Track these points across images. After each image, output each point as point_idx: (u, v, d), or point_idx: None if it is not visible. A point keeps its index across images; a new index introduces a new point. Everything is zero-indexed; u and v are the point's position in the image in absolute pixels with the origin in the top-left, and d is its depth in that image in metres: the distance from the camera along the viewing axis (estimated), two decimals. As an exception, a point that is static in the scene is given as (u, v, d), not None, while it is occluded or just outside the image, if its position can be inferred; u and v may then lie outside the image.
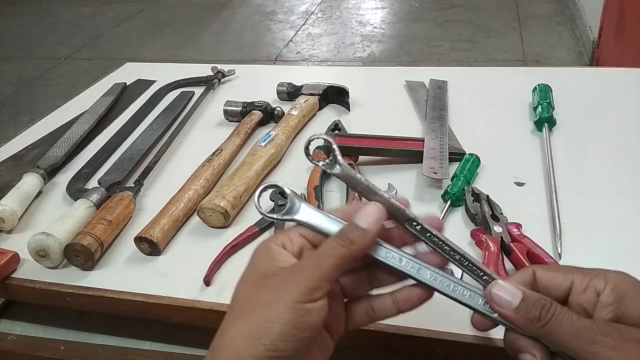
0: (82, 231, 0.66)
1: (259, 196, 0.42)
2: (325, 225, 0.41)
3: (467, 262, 0.42)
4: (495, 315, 0.40)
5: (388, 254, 0.41)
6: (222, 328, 0.38)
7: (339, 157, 0.42)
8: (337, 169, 0.43)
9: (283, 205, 0.44)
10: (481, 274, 0.42)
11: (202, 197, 0.73)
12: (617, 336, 0.35)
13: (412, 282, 0.42)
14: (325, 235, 0.41)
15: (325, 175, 0.78)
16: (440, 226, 0.43)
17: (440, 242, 0.42)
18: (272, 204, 0.62)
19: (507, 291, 0.39)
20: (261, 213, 0.42)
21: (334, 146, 0.42)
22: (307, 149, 0.43)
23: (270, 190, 0.43)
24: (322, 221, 0.41)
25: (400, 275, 0.42)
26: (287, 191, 0.42)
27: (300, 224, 0.42)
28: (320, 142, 0.70)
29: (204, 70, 1.14)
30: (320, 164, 0.42)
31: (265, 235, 0.68)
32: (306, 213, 0.42)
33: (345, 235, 0.39)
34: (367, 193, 0.43)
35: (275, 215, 0.42)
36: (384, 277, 0.43)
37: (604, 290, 0.37)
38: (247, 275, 0.40)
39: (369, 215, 0.40)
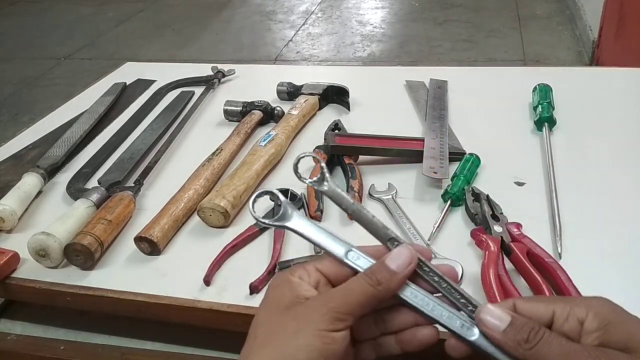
0: (82, 231, 0.66)
1: (254, 202, 0.43)
2: (318, 238, 0.42)
3: (446, 285, 0.42)
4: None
5: (414, 296, 0.41)
6: (246, 353, 0.39)
7: (327, 175, 0.43)
8: (325, 186, 0.44)
9: (280, 207, 0.45)
10: (463, 300, 0.42)
11: (202, 196, 0.73)
12: None
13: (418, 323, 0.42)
14: (321, 248, 0.42)
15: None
16: (429, 256, 0.43)
17: (423, 266, 0.42)
18: (268, 205, 0.62)
19: (496, 315, 0.39)
20: (255, 218, 0.43)
21: (322, 164, 0.43)
22: (296, 166, 0.44)
23: (265, 196, 0.44)
24: (314, 233, 0.42)
25: (419, 319, 0.42)
26: (281, 198, 0.44)
27: (291, 231, 0.43)
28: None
29: (204, 70, 1.14)
30: (308, 181, 0.44)
31: (265, 235, 0.68)
32: (298, 222, 0.43)
33: (374, 275, 0.40)
34: (352, 212, 0.44)
35: (267, 221, 0.43)
36: (392, 321, 0.43)
37: (586, 317, 0.37)
38: (269, 304, 0.41)
39: (400, 257, 0.41)
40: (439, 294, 0.42)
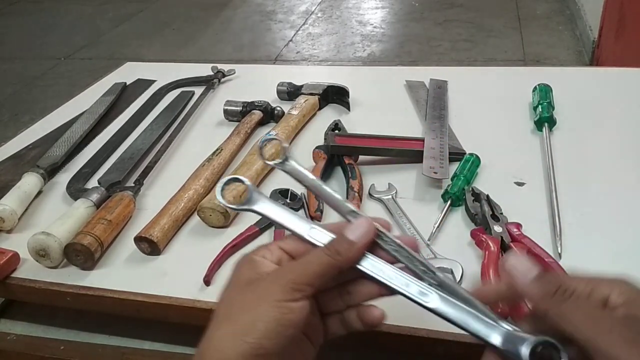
0: (82, 231, 0.66)
1: (222, 189, 0.45)
2: (281, 218, 0.44)
3: (406, 255, 0.43)
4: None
5: (374, 266, 0.42)
6: (208, 332, 0.39)
7: (289, 154, 0.46)
8: (287, 166, 0.46)
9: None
10: (423, 268, 0.42)
11: (202, 196, 0.73)
12: (636, 331, 0.33)
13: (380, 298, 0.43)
14: (285, 228, 0.44)
15: (325, 175, 0.78)
16: (389, 227, 0.44)
17: (383, 237, 0.43)
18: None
19: (526, 264, 0.39)
20: (222, 203, 0.45)
21: (285, 145, 0.46)
22: (261, 149, 0.46)
23: (235, 184, 0.46)
24: (278, 214, 0.44)
25: (382, 290, 0.42)
26: (247, 184, 0.45)
27: (257, 214, 0.45)
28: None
29: (204, 70, 1.14)
30: (272, 162, 0.46)
31: (265, 235, 0.68)
32: (263, 205, 0.45)
33: (333, 246, 0.41)
34: (313, 188, 0.45)
35: (234, 206, 0.45)
36: (356, 293, 0.43)
37: (611, 294, 0.36)
38: (231, 283, 0.42)
39: (359, 228, 0.41)
40: (401, 265, 0.43)
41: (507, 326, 0.39)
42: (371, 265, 0.42)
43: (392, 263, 0.42)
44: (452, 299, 0.40)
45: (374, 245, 0.42)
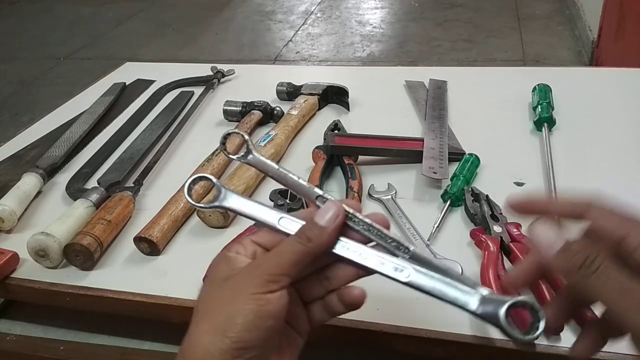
0: (82, 231, 0.66)
1: (189, 188, 0.45)
2: (251, 211, 0.44)
3: (377, 232, 0.43)
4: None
5: (347, 249, 0.42)
6: (189, 330, 0.39)
7: (251, 147, 0.46)
8: (250, 158, 0.46)
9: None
10: (394, 244, 0.42)
11: (201, 197, 0.73)
12: None
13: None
14: (255, 220, 0.43)
15: (325, 175, 0.78)
16: (359, 208, 0.44)
17: (352, 218, 0.43)
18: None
19: (550, 235, 0.38)
20: (190, 203, 0.44)
21: (246, 138, 0.46)
22: (223, 145, 0.46)
23: (201, 182, 0.46)
24: (247, 207, 0.44)
25: (360, 272, 0.42)
26: (214, 181, 0.45)
27: (227, 210, 0.44)
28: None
29: (203, 70, 1.14)
30: (235, 156, 0.46)
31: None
32: (232, 200, 0.44)
33: (304, 233, 0.41)
34: (279, 178, 0.45)
35: (202, 204, 0.45)
36: (335, 277, 0.43)
37: None
38: (207, 281, 0.42)
39: (328, 212, 0.41)
40: (373, 243, 0.43)
41: (484, 291, 0.39)
42: (344, 248, 0.42)
43: (364, 243, 0.42)
44: (426, 271, 0.41)
45: (345, 227, 0.42)
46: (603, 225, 0.38)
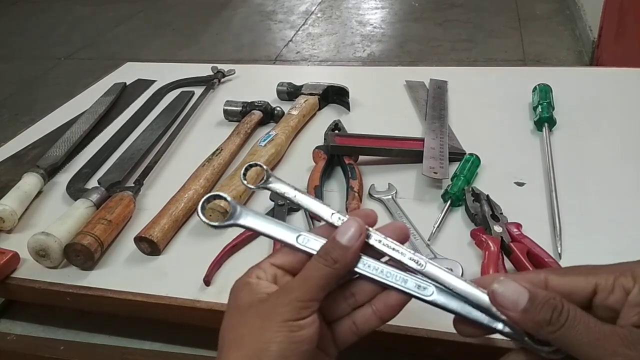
0: (82, 231, 0.66)
1: (202, 207, 0.43)
2: (267, 229, 0.43)
3: (394, 248, 0.41)
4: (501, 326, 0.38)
5: (369, 266, 0.41)
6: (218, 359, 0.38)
7: (270, 174, 0.45)
8: (270, 187, 0.45)
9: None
10: (413, 259, 0.41)
11: (202, 196, 0.73)
12: None
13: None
14: (272, 239, 0.42)
15: (325, 175, 0.78)
16: (375, 219, 0.43)
17: (371, 234, 0.42)
18: (268, 205, 0.62)
19: (512, 289, 0.36)
20: (204, 222, 0.43)
21: (265, 168, 0.45)
22: (244, 175, 0.45)
23: (214, 201, 0.45)
24: (264, 226, 0.43)
25: (380, 287, 0.41)
26: (229, 199, 0.44)
27: (242, 227, 0.43)
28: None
29: (204, 70, 1.14)
30: (254, 186, 0.45)
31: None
32: (247, 218, 0.43)
33: (328, 255, 0.39)
34: (294, 196, 0.44)
35: (217, 223, 0.43)
36: (361, 291, 0.42)
37: (633, 288, 0.34)
38: (232, 309, 0.41)
39: (349, 230, 0.40)
40: (388, 258, 0.42)
41: None
42: (365, 265, 0.41)
43: (380, 258, 0.42)
44: (449, 289, 0.40)
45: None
46: (570, 286, 0.37)
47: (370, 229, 0.42)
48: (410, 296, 0.41)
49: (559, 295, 0.35)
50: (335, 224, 0.42)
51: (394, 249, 0.41)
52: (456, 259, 0.59)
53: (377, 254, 0.42)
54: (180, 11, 4.17)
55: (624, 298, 0.34)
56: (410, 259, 0.41)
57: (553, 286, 0.37)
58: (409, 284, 0.41)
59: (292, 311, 0.37)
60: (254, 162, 0.46)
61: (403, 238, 0.42)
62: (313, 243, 0.42)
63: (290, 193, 0.45)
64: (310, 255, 0.41)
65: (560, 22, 3.29)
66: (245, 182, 0.45)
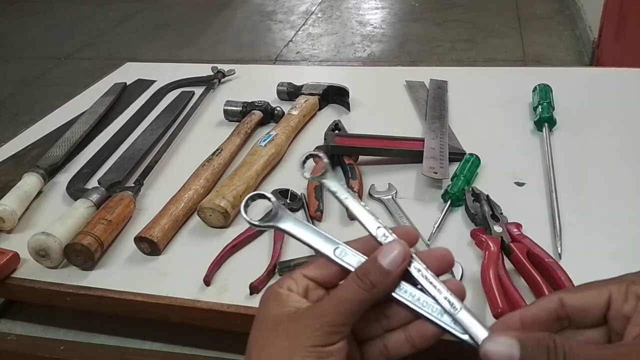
0: (82, 231, 0.66)
1: (246, 205, 0.43)
2: (306, 237, 0.42)
3: (431, 282, 0.39)
4: None
5: (406, 292, 0.39)
6: None
7: (330, 170, 0.44)
8: (325, 182, 0.44)
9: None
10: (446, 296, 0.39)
11: (202, 196, 0.73)
12: None
13: None
14: (310, 247, 0.41)
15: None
16: (416, 238, 0.41)
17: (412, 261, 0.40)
18: (267, 207, 0.62)
19: (502, 345, 0.35)
20: (247, 221, 0.43)
21: (326, 161, 0.44)
22: (303, 164, 0.45)
23: (258, 200, 0.44)
24: (302, 233, 0.42)
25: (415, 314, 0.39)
26: (273, 200, 0.44)
27: (281, 231, 0.43)
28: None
29: (204, 70, 1.14)
30: (310, 177, 0.44)
31: (265, 235, 0.68)
32: (288, 223, 0.43)
33: (367, 277, 0.37)
34: (344, 204, 0.43)
35: (258, 222, 0.43)
36: (395, 315, 0.40)
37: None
38: (260, 322, 0.39)
39: (392, 253, 0.38)
40: (420, 286, 0.39)
41: None
42: (401, 290, 0.39)
43: (414, 285, 0.39)
44: (477, 343, 0.37)
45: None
46: (584, 302, 0.36)
47: (413, 254, 0.39)
48: (445, 331, 0.38)
49: (549, 334, 0.35)
50: (379, 239, 0.40)
51: (431, 282, 0.39)
52: (456, 259, 0.58)
53: (413, 278, 0.39)
54: (180, 11, 4.17)
55: (638, 304, 0.34)
56: (445, 298, 0.38)
57: (568, 305, 0.37)
58: (445, 317, 0.38)
59: (322, 336, 0.36)
60: (314, 153, 0.45)
61: (445, 267, 0.40)
62: (351, 258, 0.40)
63: (341, 194, 0.43)
64: (345, 270, 0.39)
65: (560, 22, 3.29)
66: (302, 170, 0.44)
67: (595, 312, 0.36)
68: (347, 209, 0.43)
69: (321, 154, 0.45)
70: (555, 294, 0.38)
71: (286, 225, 0.43)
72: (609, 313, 0.36)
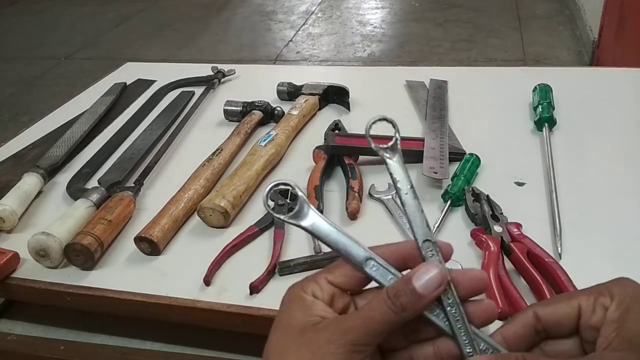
0: (82, 231, 0.66)
1: (269, 193, 0.40)
2: (334, 240, 0.39)
3: (460, 317, 0.37)
4: None
5: (436, 314, 0.37)
6: None
7: (397, 149, 0.43)
8: (391, 160, 0.43)
9: (283, 205, 0.44)
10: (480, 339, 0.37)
11: (202, 196, 0.73)
12: None
13: None
14: (338, 252, 0.38)
15: (325, 175, 0.78)
16: (450, 253, 0.39)
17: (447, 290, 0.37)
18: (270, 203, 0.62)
19: None
20: (269, 211, 0.39)
21: (397, 137, 0.42)
22: (369, 130, 0.42)
23: (279, 188, 0.41)
24: (333, 237, 0.39)
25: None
26: (299, 193, 0.40)
27: (306, 231, 0.40)
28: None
29: (204, 70, 1.14)
30: (378, 146, 0.43)
31: (265, 235, 0.68)
32: (315, 221, 0.39)
33: (397, 299, 0.35)
34: (406, 192, 0.41)
35: (282, 217, 0.40)
36: (424, 332, 0.38)
37: (610, 306, 0.35)
38: (281, 327, 0.38)
39: (428, 275, 0.36)
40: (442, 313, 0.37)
41: None
42: (434, 313, 0.37)
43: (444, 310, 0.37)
44: None
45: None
46: (556, 314, 0.37)
47: (454, 289, 0.37)
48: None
49: (520, 353, 0.35)
50: (422, 252, 0.38)
51: (458, 319, 0.37)
52: (456, 259, 0.59)
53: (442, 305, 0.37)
54: (180, 11, 4.17)
55: (605, 316, 0.35)
56: (469, 335, 0.37)
57: (542, 318, 0.37)
58: (476, 343, 0.37)
59: (345, 354, 0.35)
60: (385, 116, 0.41)
61: (479, 291, 0.38)
62: (381, 272, 0.38)
63: (403, 185, 0.40)
64: (374, 280, 0.38)
65: (560, 22, 3.29)
66: (369, 137, 0.41)
67: (568, 324, 0.37)
68: (402, 204, 0.40)
69: (393, 120, 0.42)
70: (530, 308, 0.38)
71: (312, 225, 0.39)
72: (580, 324, 0.36)
